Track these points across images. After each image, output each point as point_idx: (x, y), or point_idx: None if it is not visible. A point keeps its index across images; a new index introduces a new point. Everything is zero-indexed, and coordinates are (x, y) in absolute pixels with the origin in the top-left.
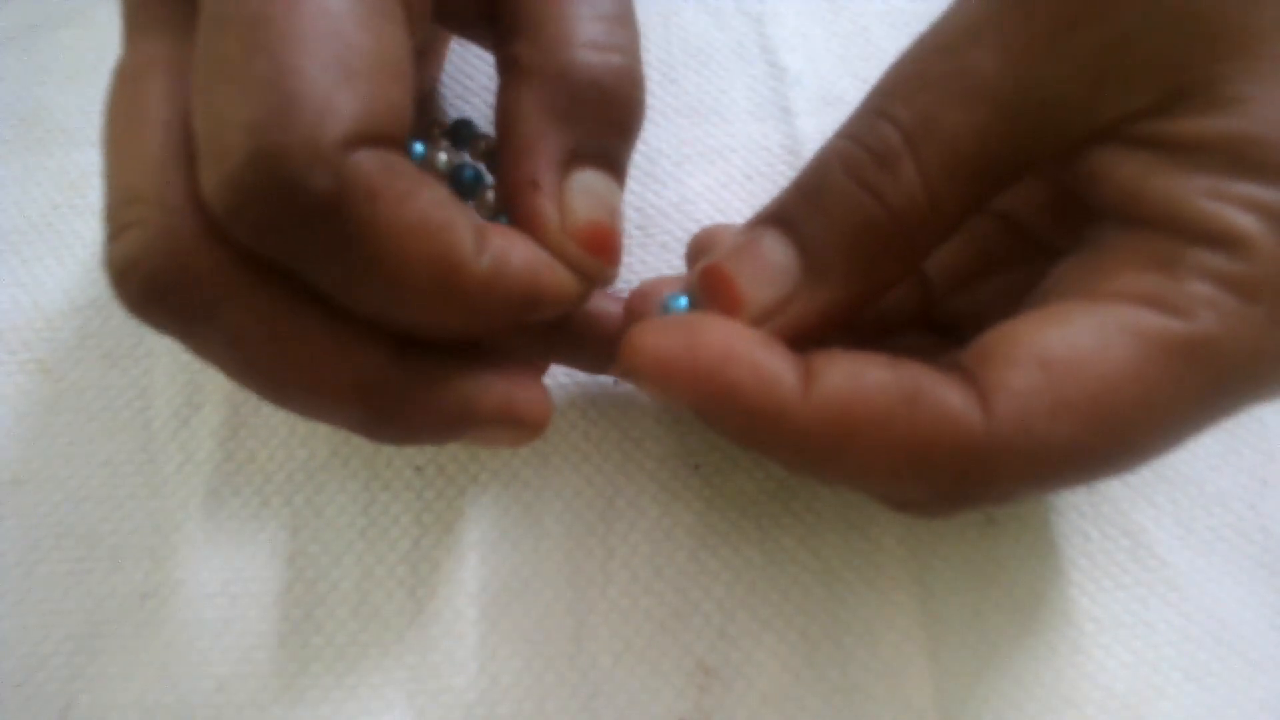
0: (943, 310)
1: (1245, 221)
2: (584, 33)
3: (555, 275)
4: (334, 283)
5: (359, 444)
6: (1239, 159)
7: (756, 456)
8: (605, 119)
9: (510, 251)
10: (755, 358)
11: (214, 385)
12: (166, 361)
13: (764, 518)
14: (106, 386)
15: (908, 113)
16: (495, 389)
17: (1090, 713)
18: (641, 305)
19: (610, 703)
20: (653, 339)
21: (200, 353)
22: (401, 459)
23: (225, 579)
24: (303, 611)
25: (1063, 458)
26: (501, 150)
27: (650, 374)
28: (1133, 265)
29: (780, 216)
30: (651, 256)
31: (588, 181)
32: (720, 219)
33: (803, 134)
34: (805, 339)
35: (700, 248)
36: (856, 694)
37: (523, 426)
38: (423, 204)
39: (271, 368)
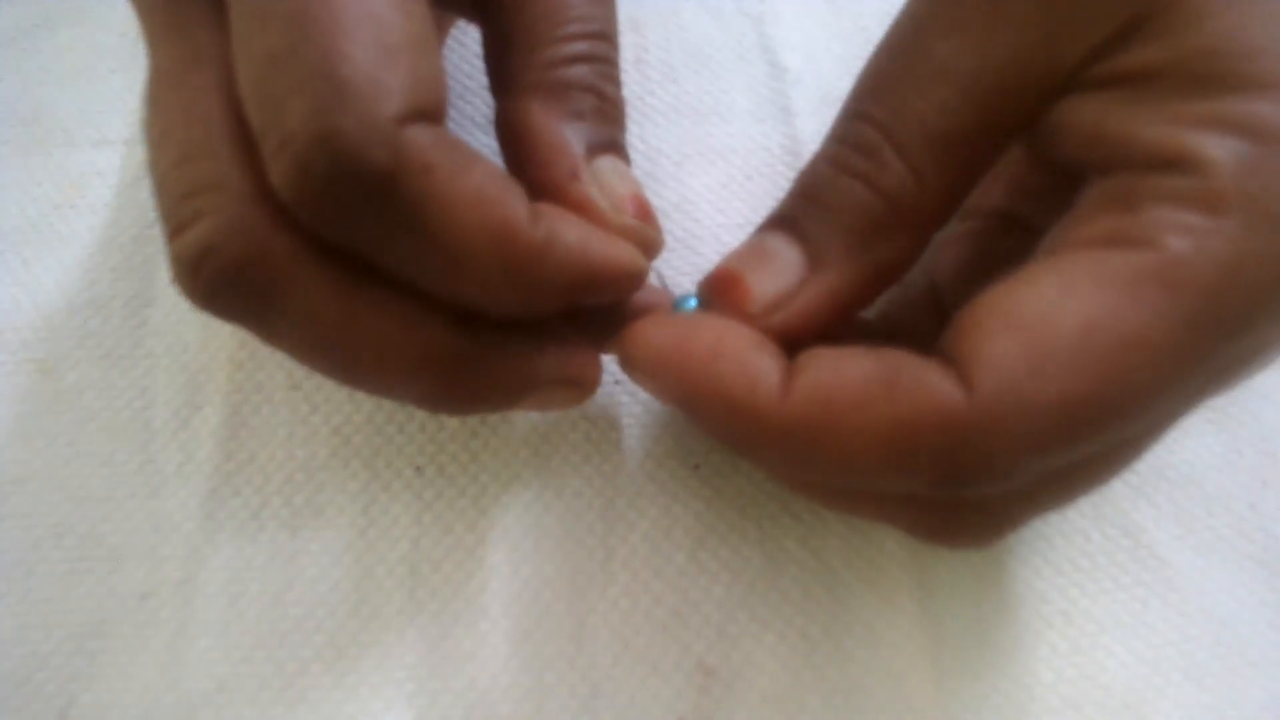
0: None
1: (1200, 140)
2: (573, 49)
3: (612, 250)
4: (398, 259)
5: (359, 444)
6: (1198, 77)
7: None
8: (605, 118)
9: (563, 225)
10: (742, 355)
11: (214, 385)
12: (166, 362)
13: (764, 518)
14: (106, 386)
15: (878, 109)
16: (550, 353)
17: (1090, 713)
18: (652, 302)
19: (610, 703)
20: (647, 332)
21: (269, 338)
22: (402, 459)
23: (225, 579)
24: (303, 611)
25: (1056, 416)
26: (525, 155)
27: (643, 365)
28: (1094, 212)
29: (782, 218)
30: None
31: (610, 165)
32: (720, 219)
33: (803, 134)
34: (818, 331)
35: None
36: (856, 694)
37: (578, 387)
38: (478, 177)
39: (342, 347)
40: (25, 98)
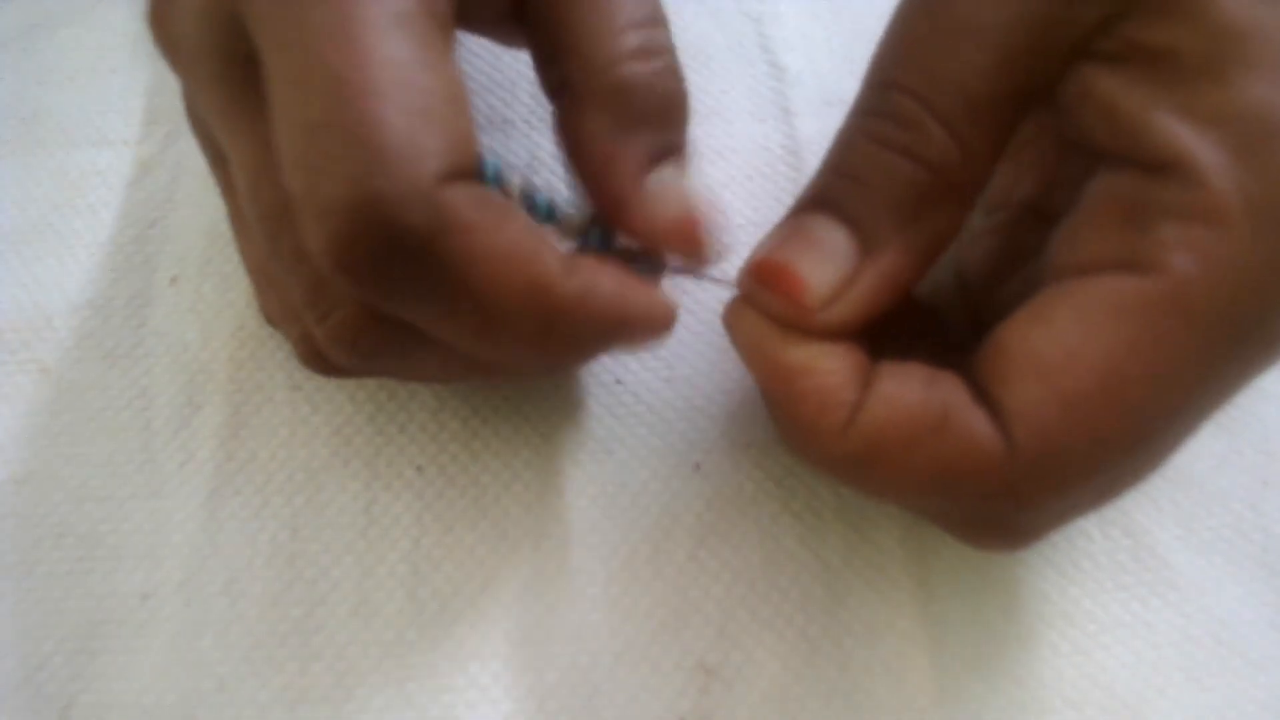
0: (986, 309)
1: (1201, 142)
2: (627, 45)
3: (647, 299)
4: (437, 318)
5: (360, 444)
6: (1206, 60)
7: (756, 457)
8: (664, 120)
9: (598, 276)
10: (825, 379)
11: (214, 385)
12: (166, 362)
13: (764, 518)
14: (106, 386)
15: (911, 77)
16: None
17: (1090, 713)
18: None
19: (610, 702)
20: (747, 322)
21: (408, 378)
22: (403, 459)
23: (225, 579)
24: (303, 611)
25: (1089, 456)
26: (584, 168)
27: (744, 353)
28: (1105, 220)
29: (821, 200)
30: None
31: (667, 177)
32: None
33: (803, 134)
34: (877, 319)
35: None
36: (856, 694)
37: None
38: (513, 232)
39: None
40: (25, 98)
